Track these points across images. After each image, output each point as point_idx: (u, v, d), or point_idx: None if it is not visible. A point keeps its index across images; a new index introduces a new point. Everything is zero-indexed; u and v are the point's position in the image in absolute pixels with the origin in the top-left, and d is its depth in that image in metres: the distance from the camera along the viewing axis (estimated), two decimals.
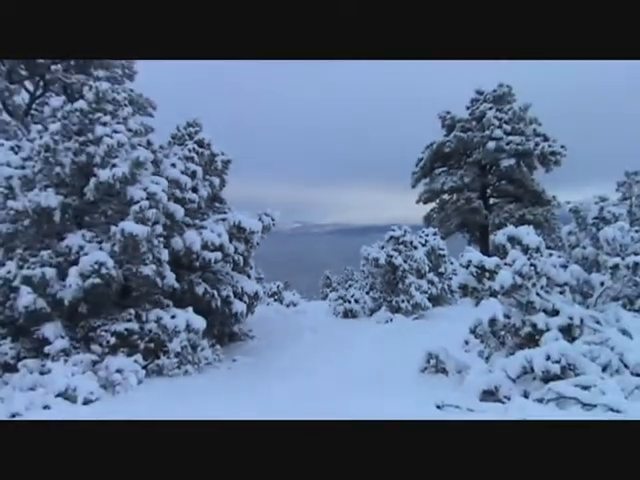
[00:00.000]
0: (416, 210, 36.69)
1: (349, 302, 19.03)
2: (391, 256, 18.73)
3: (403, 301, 18.48)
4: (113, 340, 10.05)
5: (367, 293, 19.49)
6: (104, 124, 11.02)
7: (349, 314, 18.81)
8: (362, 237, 33.52)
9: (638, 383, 7.07)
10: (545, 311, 8.71)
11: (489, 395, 7.86)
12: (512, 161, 32.64)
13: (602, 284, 9.39)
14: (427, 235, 22.15)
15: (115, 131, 11.00)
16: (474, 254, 9.13)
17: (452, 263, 21.58)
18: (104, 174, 10.55)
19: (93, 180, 10.71)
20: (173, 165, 12.07)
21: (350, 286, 20.96)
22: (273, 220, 13.53)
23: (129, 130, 11.53)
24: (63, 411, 7.89)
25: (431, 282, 20.21)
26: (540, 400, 7.04)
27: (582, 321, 8.52)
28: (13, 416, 7.57)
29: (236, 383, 9.99)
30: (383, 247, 19.45)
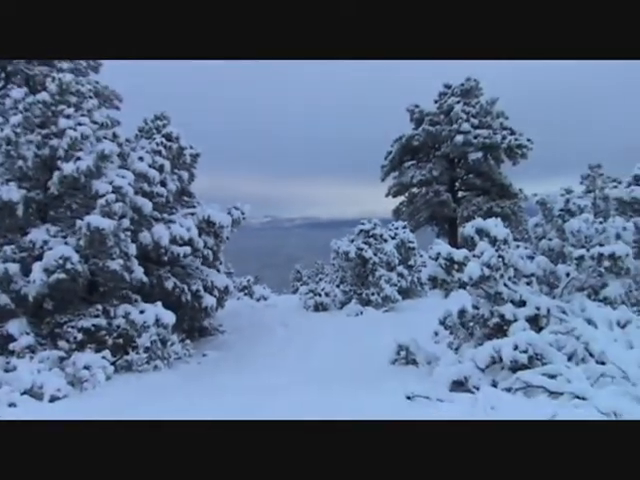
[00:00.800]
0: (385, 203, 36.82)
1: (319, 295, 19.04)
2: (361, 249, 18.80)
3: (373, 294, 18.58)
4: (80, 336, 9.89)
5: (337, 286, 19.53)
6: (68, 116, 10.79)
7: (320, 307, 18.83)
8: (332, 231, 33.55)
9: (603, 371, 7.20)
10: (513, 302, 8.83)
11: (459, 385, 7.94)
12: (480, 154, 32.97)
13: (568, 275, 9.55)
14: (397, 228, 22.32)
15: (79, 123, 10.78)
16: (443, 246, 9.20)
17: (421, 256, 21.75)
18: (68, 167, 10.34)
19: (57, 174, 10.49)
20: (140, 158, 11.91)
21: (320, 280, 21.01)
22: (243, 214, 13.46)
23: (94, 123, 11.32)
24: (29, 409, 7.74)
25: (401, 275, 20.37)
26: (508, 389, 7.13)
27: (549, 311, 8.65)
28: None
29: (206, 378, 9.91)
30: (353, 240, 19.51)
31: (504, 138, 32.98)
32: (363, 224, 19.61)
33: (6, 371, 8.83)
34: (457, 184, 35.86)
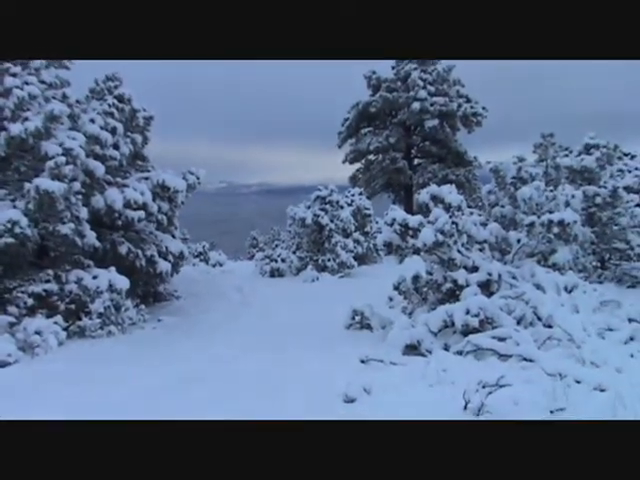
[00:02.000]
0: (342, 170, 36.84)
1: (276, 261, 19.08)
2: (317, 216, 18.85)
3: (329, 260, 18.71)
4: (30, 301, 9.68)
5: (294, 252, 19.58)
6: (14, 75, 10.36)
7: (276, 273, 18.88)
8: (288, 197, 33.41)
9: (550, 334, 7.47)
10: (465, 267, 9.02)
11: (412, 349, 8.12)
12: (436, 122, 33.08)
13: (519, 241, 9.79)
14: (353, 195, 22.39)
15: (26, 82, 10.38)
16: (398, 212, 9.30)
17: (377, 222, 21.94)
18: (15, 128, 9.97)
19: (3, 134, 10.09)
20: (92, 120, 11.52)
21: (277, 246, 20.99)
22: (198, 179, 13.25)
23: (42, 82, 10.91)
24: None
25: (357, 241, 20.52)
26: (459, 352, 7.33)
27: (500, 277, 8.88)
28: None
29: (161, 343, 9.87)
30: (310, 207, 19.54)
31: (460, 106, 33.20)
32: (320, 190, 19.63)
33: None
34: (413, 151, 36.03)
